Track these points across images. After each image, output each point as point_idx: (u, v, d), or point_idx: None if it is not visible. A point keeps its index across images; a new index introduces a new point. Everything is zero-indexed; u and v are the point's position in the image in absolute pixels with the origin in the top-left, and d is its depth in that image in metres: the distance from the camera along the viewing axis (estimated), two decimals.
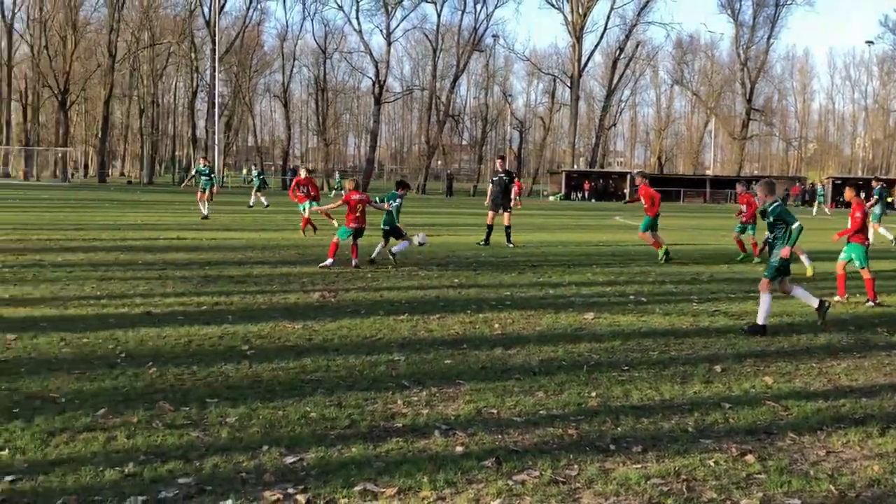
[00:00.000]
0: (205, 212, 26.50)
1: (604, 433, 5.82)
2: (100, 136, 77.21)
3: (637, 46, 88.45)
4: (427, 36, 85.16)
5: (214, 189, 28.09)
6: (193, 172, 29.53)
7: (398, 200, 16.07)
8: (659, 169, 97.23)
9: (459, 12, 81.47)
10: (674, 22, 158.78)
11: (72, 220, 24.10)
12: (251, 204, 36.27)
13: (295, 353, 8.00)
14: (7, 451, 5.12)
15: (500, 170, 21.19)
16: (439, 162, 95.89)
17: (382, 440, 5.54)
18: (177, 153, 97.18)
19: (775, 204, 10.00)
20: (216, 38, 70.33)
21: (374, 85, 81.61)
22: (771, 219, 9.95)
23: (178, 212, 31.29)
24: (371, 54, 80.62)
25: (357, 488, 4.68)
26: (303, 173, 23.84)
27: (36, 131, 78.42)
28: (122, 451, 5.19)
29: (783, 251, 9.65)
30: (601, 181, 78.17)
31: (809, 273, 15.26)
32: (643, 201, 18.14)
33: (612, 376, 7.42)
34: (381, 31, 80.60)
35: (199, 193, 27.41)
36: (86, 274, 12.94)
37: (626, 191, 71.22)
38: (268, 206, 35.21)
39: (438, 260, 16.42)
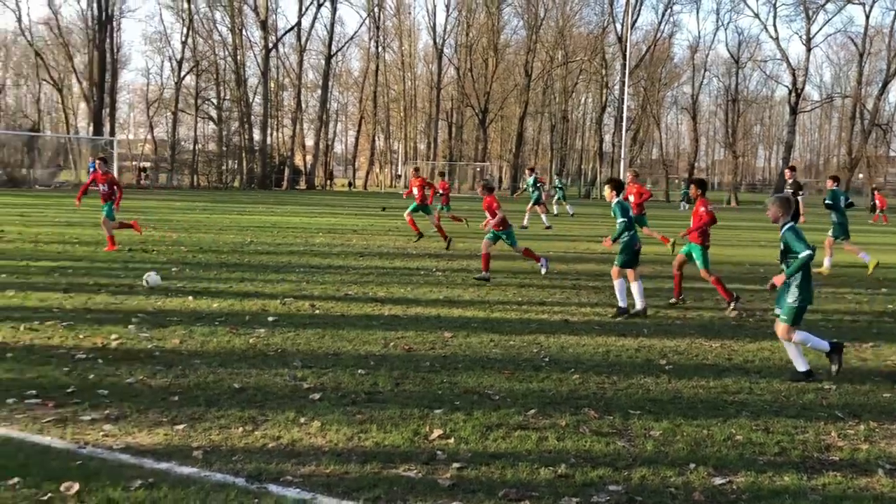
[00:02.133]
0: (546, 222, 27.22)
1: None
2: (513, 150, 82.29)
3: None
4: (852, 39, 78.57)
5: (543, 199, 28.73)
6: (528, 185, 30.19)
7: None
8: None
9: (893, 13, 73.99)
10: None
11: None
12: (571, 213, 36.84)
13: (714, 371, 7.81)
14: (453, 439, 5.63)
15: (788, 180, 19.16)
16: (860, 175, 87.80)
17: (817, 472, 5.19)
18: (582, 167, 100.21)
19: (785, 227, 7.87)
20: (627, 53, 71.36)
21: (789, 94, 77.13)
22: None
23: (586, 224, 32.21)
24: (788, 62, 76.44)
25: None
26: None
27: (459, 148, 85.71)
28: (553, 451, 5.46)
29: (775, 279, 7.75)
30: None
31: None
32: None
33: None
34: (799, 36, 76.82)
35: (534, 206, 28.02)
36: (507, 280, 13.84)
37: None
38: (572, 214, 35.85)
39: (867, 283, 15.03)
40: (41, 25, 70.77)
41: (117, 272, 13.25)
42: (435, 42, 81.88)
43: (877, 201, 44.82)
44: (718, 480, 5.01)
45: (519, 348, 8.58)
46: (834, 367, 7.79)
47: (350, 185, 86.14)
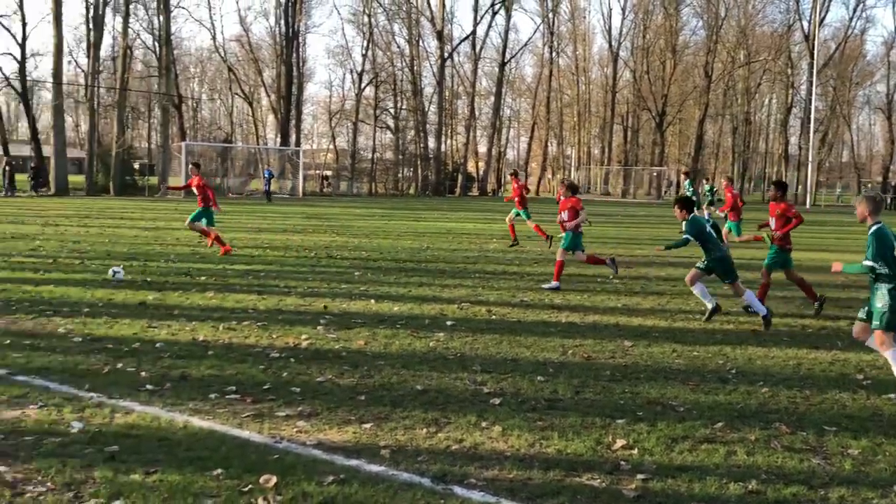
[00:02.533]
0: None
1: None
2: (692, 154, 79.86)
3: None
4: None
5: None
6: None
7: None
8: None
9: None
10: None
11: (670, 236, 25.30)
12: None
13: None
14: (636, 450, 5.54)
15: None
16: None
17: None
18: (766, 170, 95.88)
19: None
20: (814, 52, 67.76)
21: None
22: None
23: None
24: None
25: None
26: None
27: (634, 152, 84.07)
28: (742, 466, 5.26)
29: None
30: None
31: None
32: None
33: None
34: None
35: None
36: (689, 289, 13.42)
37: None
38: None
39: None
40: (233, 42, 75.29)
41: (305, 275, 13.88)
42: (610, 45, 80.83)
43: None
44: None
45: (703, 359, 8.32)
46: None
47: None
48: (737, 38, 77.48)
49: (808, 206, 64.85)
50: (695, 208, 11.29)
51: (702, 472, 5.13)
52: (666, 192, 79.29)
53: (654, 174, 79.54)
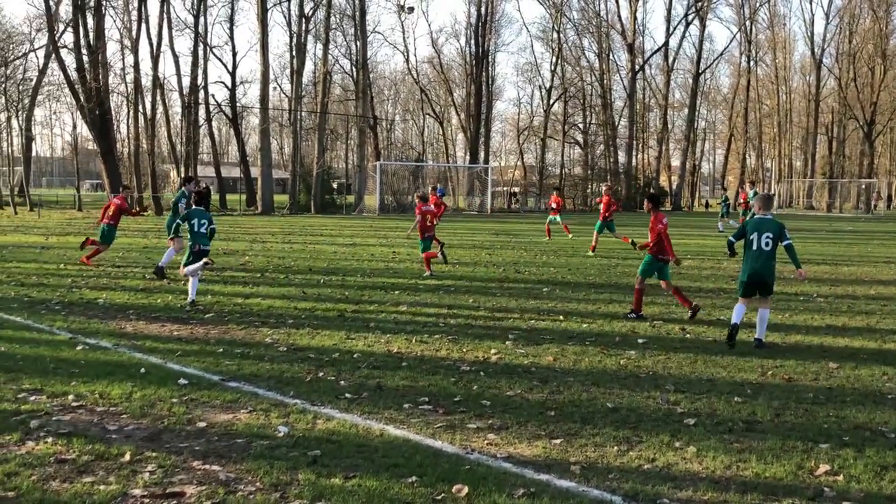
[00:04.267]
0: None
1: None
2: None
3: None
4: None
5: None
6: None
7: None
8: None
9: None
10: None
11: (878, 253, 23.63)
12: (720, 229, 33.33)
13: None
14: (842, 476, 5.23)
15: None
16: None
17: None
18: None
19: None
20: None
21: None
22: None
23: None
24: None
25: None
26: None
27: (840, 163, 79.25)
28: None
29: None
30: None
31: None
32: None
33: None
34: None
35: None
36: (889, 308, 12.53)
37: None
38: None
39: None
40: (425, 64, 77.61)
41: (493, 290, 14.06)
42: (813, 52, 76.66)
43: None
44: None
45: None
46: None
47: (706, 205, 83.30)
48: None
49: None
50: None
51: None
52: (875, 205, 74.14)
53: (863, 186, 74.57)
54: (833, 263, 19.80)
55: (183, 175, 49.92)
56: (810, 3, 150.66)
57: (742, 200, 29.83)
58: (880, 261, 20.92)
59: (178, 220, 14.47)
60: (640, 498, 4.86)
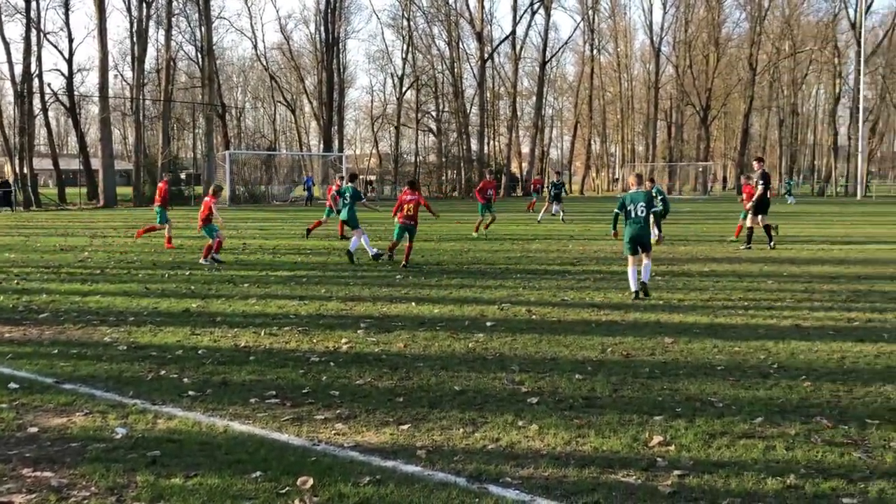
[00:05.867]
0: None
1: None
2: (738, 148, 78.84)
3: None
4: None
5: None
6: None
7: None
8: None
9: None
10: None
11: (713, 232, 25.01)
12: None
13: None
14: (673, 446, 5.50)
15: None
16: None
17: None
18: (815, 162, 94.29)
19: None
20: (861, 40, 66.48)
21: None
22: None
23: (821, 223, 30.37)
24: None
25: None
26: None
27: (679, 148, 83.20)
28: (781, 461, 5.20)
29: None
30: None
31: None
32: None
33: None
34: None
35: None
36: (732, 284, 13.31)
37: None
38: None
39: None
40: (275, 51, 76.33)
41: (346, 280, 14.00)
42: (652, 41, 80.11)
43: None
44: None
45: (745, 354, 8.23)
46: None
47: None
48: (781, 28, 76.33)
49: (858, 197, 63.63)
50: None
51: (739, 467, 5.09)
52: (711, 187, 78.35)
53: (700, 169, 78.60)
54: (670, 243, 20.80)
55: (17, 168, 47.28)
56: None
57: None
58: (714, 239, 22.14)
59: None
60: (484, 478, 4.95)
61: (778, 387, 6.95)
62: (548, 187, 31.37)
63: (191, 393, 6.84)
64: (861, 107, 67.10)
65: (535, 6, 72.27)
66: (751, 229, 19.67)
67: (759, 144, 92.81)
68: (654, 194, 16.48)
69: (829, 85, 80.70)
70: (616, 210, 12.41)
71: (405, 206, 16.01)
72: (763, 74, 77.75)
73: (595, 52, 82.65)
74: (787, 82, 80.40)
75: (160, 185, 22.66)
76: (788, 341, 8.80)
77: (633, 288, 12.00)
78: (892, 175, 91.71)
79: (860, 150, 66.00)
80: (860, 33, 67.23)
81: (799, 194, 72.09)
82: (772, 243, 19.08)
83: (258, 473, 5.01)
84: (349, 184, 19.38)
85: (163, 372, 7.56)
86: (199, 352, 8.42)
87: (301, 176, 64.03)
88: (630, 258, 12.21)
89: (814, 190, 77.70)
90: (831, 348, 8.46)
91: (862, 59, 66.44)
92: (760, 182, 19.33)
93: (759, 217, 19.44)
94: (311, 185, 53.00)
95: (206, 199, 17.51)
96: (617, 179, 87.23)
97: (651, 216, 12.29)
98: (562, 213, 31.46)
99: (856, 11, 70.54)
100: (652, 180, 30.75)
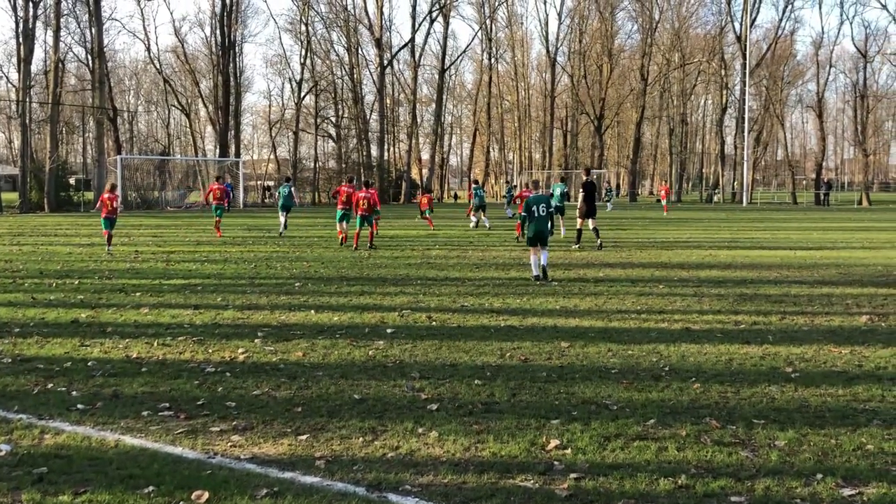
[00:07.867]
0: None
1: None
2: (631, 157, 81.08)
3: None
4: None
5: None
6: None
7: None
8: None
9: None
10: None
11: (606, 237, 25.62)
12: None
13: (844, 379, 7.49)
14: (570, 450, 5.60)
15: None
16: None
17: None
18: (703, 170, 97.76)
19: None
20: (746, 52, 69.35)
21: None
22: None
23: (709, 229, 31.48)
24: None
25: None
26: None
27: (574, 155, 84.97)
28: (673, 462, 5.35)
29: None
30: None
31: None
32: None
33: None
34: None
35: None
36: (626, 289, 13.66)
37: None
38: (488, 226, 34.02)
39: None
40: (169, 53, 74.49)
41: (244, 288, 13.76)
42: (548, 51, 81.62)
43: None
44: (847, 492, 4.80)
45: (638, 358, 8.45)
46: None
47: (455, 196, 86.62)
48: (671, 40, 78.97)
49: (744, 204, 66.27)
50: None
51: (633, 469, 5.22)
52: (606, 194, 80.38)
53: (595, 177, 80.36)
54: (566, 249, 21.20)
55: None
56: (545, 4, 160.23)
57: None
58: (608, 246, 22.66)
59: None
60: (384, 487, 4.94)
61: (669, 389, 7.17)
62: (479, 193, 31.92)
63: (80, 406, 6.59)
64: (746, 117, 69.99)
65: (434, 14, 72.71)
66: (579, 231, 22.21)
67: (651, 153, 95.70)
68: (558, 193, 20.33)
69: (716, 95, 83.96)
70: (523, 213, 14.82)
71: (361, 201, 20.97)
72: (654, 85, 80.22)
73: (493, 60, 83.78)
74: (677, 93, 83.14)
75: (212, 185, 27.29)
76: (679, 344, 9.09)
77: (534, 272, 14.60)
78: (776, 183, 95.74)
79: (745, 158, 68.77)
80: (745, 46, 70.14)
81: (688, 201, 74.60)
82: (578, 245, 21.78)
83: (151, 488, 4.86)
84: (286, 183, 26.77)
85: (50, 385, 7.26)
86: (89, 364, 8.12)
87: (197, 181, 62.61)
88: (532, 249, 14.83)
89: (702, 197, 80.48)
90: (719, 350, 8.77)
91: (747, 71, 69.30)
92: (581, 190, 21.84)
93: (590, 221, 21.77)
94: (231, 189, 51.84)
95: (213, 184, 25.80)
96: (515, 186, 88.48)
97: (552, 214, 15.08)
98: (487, 221, 32.09)
99: (741, 25, 73.62)
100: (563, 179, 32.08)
